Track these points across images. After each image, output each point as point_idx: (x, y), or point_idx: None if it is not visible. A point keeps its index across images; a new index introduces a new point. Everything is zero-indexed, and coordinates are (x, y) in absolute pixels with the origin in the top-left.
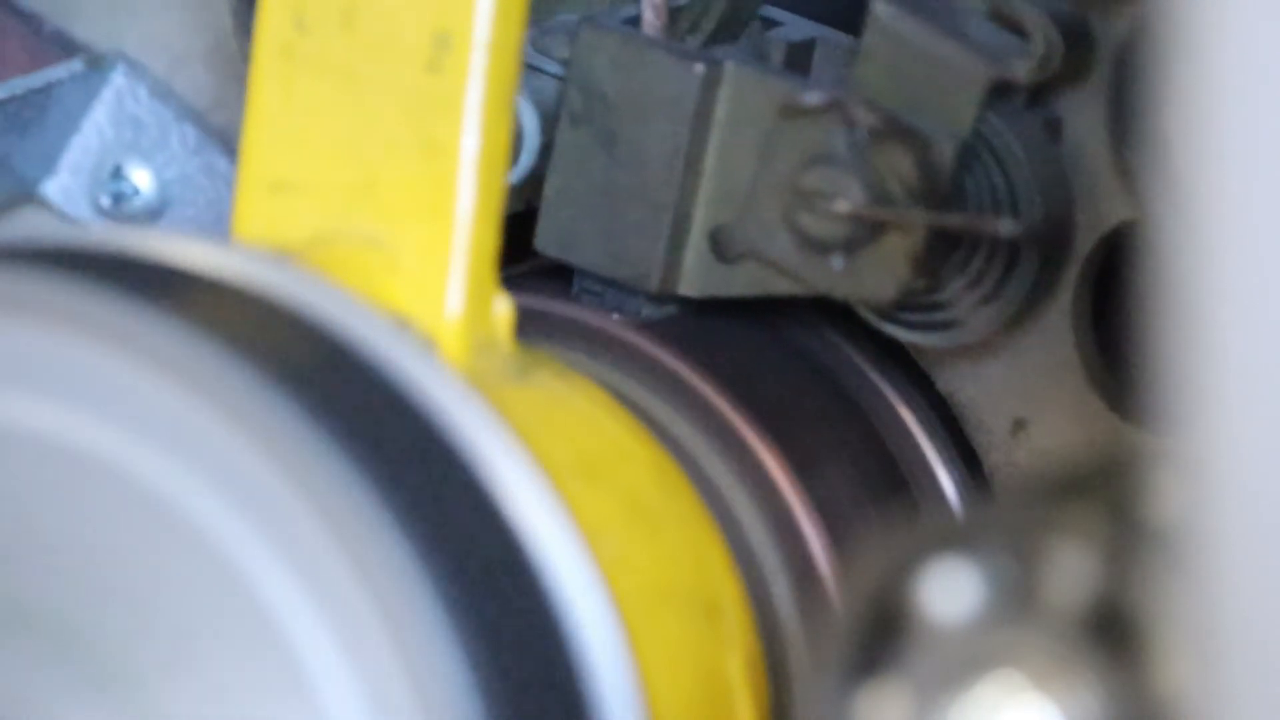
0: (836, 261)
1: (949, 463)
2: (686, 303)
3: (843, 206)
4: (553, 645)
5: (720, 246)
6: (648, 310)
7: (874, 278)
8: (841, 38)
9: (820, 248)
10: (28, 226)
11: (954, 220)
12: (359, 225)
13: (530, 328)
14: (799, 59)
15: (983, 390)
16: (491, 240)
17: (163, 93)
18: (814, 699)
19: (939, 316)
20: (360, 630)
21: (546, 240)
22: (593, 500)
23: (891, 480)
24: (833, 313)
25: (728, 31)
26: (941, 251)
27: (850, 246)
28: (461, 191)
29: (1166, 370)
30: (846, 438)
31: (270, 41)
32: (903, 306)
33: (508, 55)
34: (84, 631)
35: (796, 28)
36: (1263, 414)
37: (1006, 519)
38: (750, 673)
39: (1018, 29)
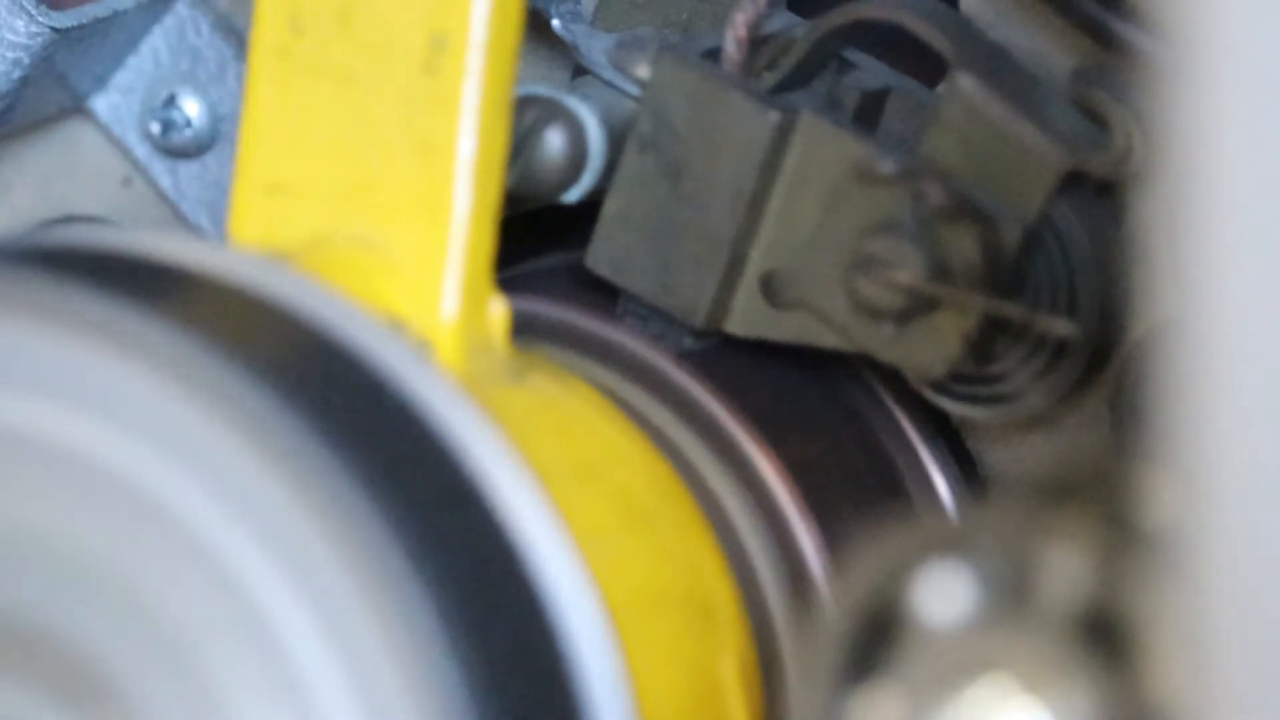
0: (887, 329)
1: (944, 466)
2: (725, 337)
3: (902, 278)
4: (545, 648)
5: (772, 291)
6: (689, 342)
7: (924, 352)
8: (916, 89)
9: (873, 313)
10: (73, 143)
11: (1012, 310)
12: (355, 227)
13: (527, 328)
14: (871, 107)
15: (1013, 458)
16: (487, 242)
17: (225, 28)
18: (807, 701)
19: (986, 390)
20: (354, 633)
21: (598, 259)
22: (586, 502)
23: (886, 483)
24: None
25: (806, 71)
26: (994, 335)
27: (904, 317)
28: (457, 193)
29: (1164, 375)
30: (841, 440)
31: (266, 43)
32: (952, 377)
33: (504, 57)
34: (79, 635)
35: (872, 74)
36: (1256, 419)
37: (1000, 523)
38: (744, 675)
39: (1099, 120)
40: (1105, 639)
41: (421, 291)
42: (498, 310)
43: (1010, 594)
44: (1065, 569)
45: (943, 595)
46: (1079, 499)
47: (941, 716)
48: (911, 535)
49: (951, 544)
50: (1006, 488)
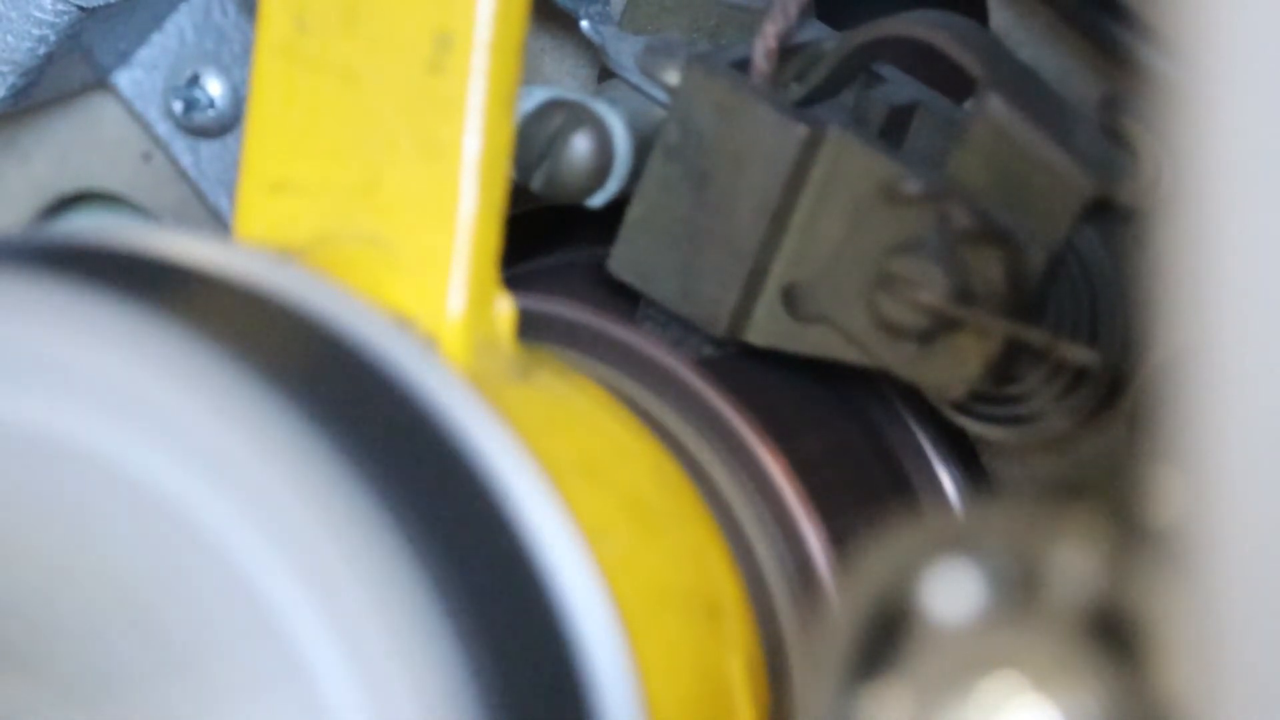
0: (908, 348)
1: (950, 463)
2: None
3: (925, 298)
4: (553, 646)
5: (793, 303)
6: (708, 350)
7: (944, 372)
8: (944, 105)
9: (894, 331)
10: (94, 116)
11: (1033, 336)
12: (360, 225)
13: (540, 326)
14: (898, 122)
15: (1029, 476)
16: (493, 240)
17: (251, 9)
18: (815, 699)
19: (1006, 410)
20: (361, 631)
21: (620, 264)
22: (593, 500)
23: (893, 481)
24: None
25: (834, 84)
26: (1014, 359)
27: (925, 337)
28: (463, 192)
29: (1169, 375)
30: (847, 438)
31: (271, 41)
32: (971, 397)
33: (509, 55)
34: (81, 634)
35: (900, 88)
36: (1261, 417)
37: (1009, 521)
38: (750, 673)
39: (1127, 147)
40: (1114, 637)
41: (427, 289)
42: (504, 308)
43: (1019, 592)
44: (1073, 567)
45: (951, 593)
46: (1087, 498)
47: (950, 714)
48: (919, 533)
49: (960, 542)
50: (1015, 488)
